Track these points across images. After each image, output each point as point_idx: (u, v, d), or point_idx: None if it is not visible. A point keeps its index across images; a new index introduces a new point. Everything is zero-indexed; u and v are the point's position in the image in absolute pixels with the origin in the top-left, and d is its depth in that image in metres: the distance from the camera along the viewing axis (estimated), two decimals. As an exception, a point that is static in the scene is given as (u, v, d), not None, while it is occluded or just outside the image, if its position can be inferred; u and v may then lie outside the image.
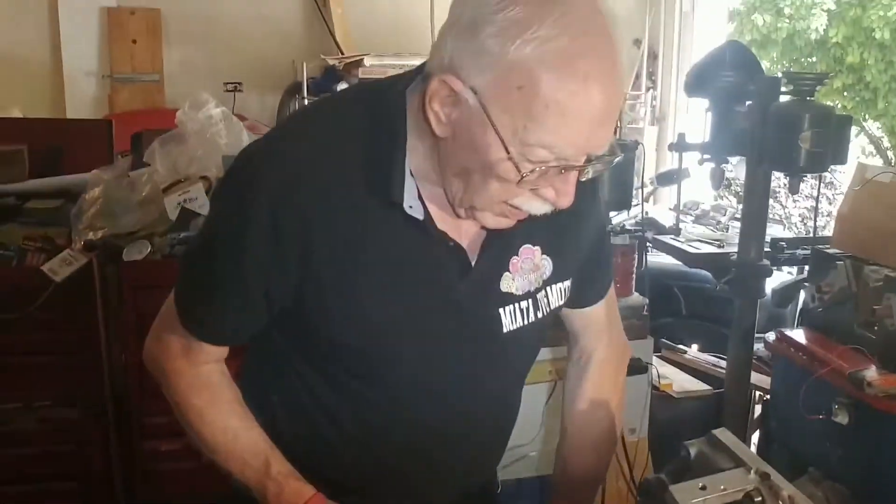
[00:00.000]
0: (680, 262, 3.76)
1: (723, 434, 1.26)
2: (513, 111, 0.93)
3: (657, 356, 3.33)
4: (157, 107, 5.19)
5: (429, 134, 1.02)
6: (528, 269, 1.18)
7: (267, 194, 1.03)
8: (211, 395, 1.19)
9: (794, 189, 2.75)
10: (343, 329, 1.11)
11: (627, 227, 3.34)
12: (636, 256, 2.91)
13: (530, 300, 1.20)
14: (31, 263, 2.53)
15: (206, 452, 1.21)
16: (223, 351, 1.21)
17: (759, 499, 1.13)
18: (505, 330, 1.19)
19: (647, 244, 3.41)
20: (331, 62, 4.94)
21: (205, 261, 1.14)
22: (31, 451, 2.53)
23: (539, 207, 1.04)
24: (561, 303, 1.26)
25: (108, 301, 2.54)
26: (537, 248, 1.19)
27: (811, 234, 3.55)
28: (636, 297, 2.83)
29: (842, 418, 2.40)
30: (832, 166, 3.03)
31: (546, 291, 1.22)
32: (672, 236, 3.38)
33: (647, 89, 5.73)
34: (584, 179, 1.03)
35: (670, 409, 2.97)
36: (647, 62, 5.79)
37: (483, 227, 1.10)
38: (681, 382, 3.11)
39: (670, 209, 4.33)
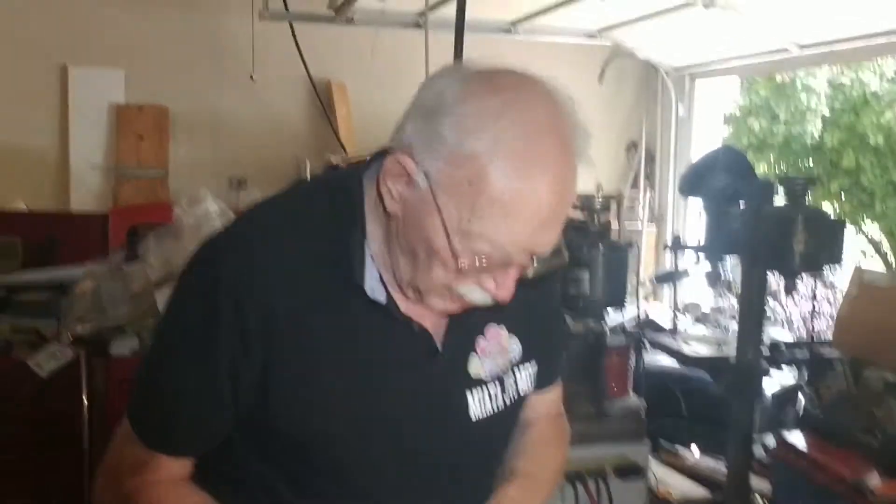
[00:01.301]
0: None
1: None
2: (459, 202, 0.95)
3: (654, 458, 3.24)
4: (160, 201, 5.24)
5: (384, 216, 1.03)
6: (495, 351, 1.16)
7: (229, 288, 1.02)
8: (175, 498, 1.11)
9: (789, 289, 2.73)
10: (307, 419, 1.06)
11: (625, 328, 3.31)
12: (633, 357, 2.87)
13: (499, 384, 1.17)
14: (18, 357, 2.50)
15: None
16: (184, 468, 1.12)
17: None
18: (473, 417, 1.14)
19: (644, 344, 3.37)
20: (334, 160, 5.01)
21: (165, 360, 1.09)
22: (5, 555, 2.43)
23: (480, 297, 1.04)
24: (529, 388, 1.22)
25: (94, 397, 2.50)
26: (503, 327, 1.17)
27: (811, 337, 3.51)
28: (633, 399, 2.77)
29: (847, 540, 2.31)
30: (832, 266, 3.02)
31: (514, 374, 1.19)
32: (670, 337, 3.34)
33: (646, 190, 5.79)
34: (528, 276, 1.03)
35: (670, 516, 2.87)
36: (644, 164, 5.86)
37: (434, 311, 1.08)
38: (679, 487, 3.01)
39: (670, 307, 4.31)
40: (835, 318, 3.11)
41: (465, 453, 1.16)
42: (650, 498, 2.75)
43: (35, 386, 2.38)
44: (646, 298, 5.19)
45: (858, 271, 2.91)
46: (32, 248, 2.85)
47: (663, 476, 3.06)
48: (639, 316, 3.37)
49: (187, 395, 1.07)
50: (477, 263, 0.98)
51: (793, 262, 2.52)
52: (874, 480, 2.31)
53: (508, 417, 1.21)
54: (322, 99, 5.48)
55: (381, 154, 1.05)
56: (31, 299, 2.70)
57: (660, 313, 4.45)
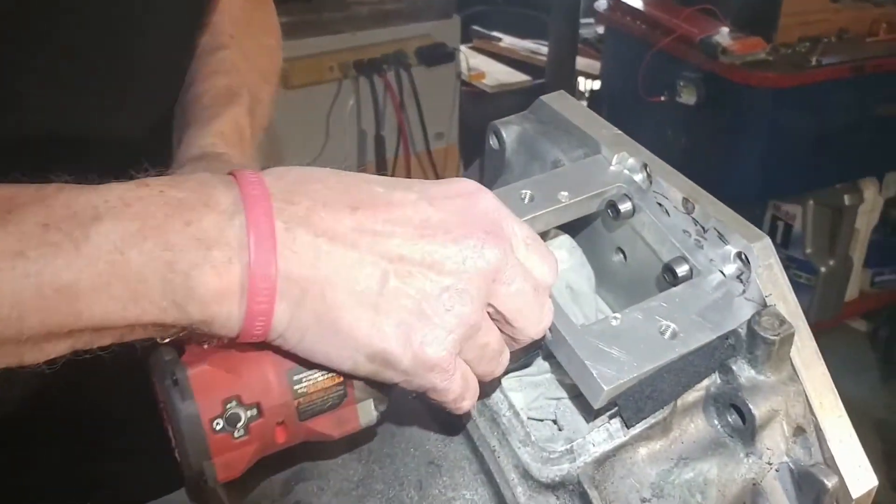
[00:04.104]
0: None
1: (558, 100, 0.70)
2: None
3: (468, 47, 2.79)
4: None
5: None
6: None
7: None
8: None
9: None
10: None
11: None
12: None
13: None
14: None
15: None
16: None
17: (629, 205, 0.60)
18: None
19: None
20: None
21: None
22: None
23: None
24: None
25: None
26: None
27: None
28: (435, -37, 2.20)
29: (688, 97, 1.99)
30: None
31: None
32: None
33: None
34: None
35: (484, 106, 2.51)
36: None
37: None
38: (495, 74, 2.59)
39: None
40: None
41: (137, 29, 0.71)
42: (462, 90, 2.30)
43: None
44: None
45: None
46: None
47: (477, 63, 2.59)
48: None
49: None
50: None
51: None
52: (726, 38, 1.92)
53: None
54: None
55: None
56: None
57: None
